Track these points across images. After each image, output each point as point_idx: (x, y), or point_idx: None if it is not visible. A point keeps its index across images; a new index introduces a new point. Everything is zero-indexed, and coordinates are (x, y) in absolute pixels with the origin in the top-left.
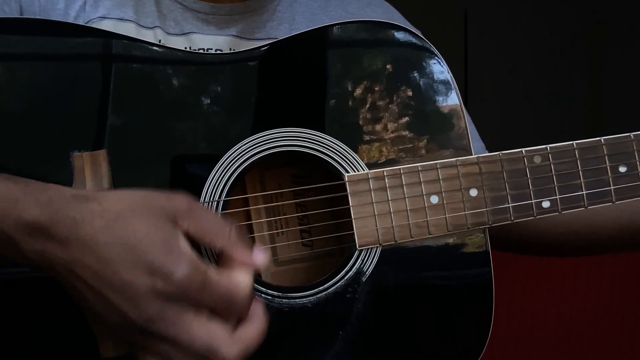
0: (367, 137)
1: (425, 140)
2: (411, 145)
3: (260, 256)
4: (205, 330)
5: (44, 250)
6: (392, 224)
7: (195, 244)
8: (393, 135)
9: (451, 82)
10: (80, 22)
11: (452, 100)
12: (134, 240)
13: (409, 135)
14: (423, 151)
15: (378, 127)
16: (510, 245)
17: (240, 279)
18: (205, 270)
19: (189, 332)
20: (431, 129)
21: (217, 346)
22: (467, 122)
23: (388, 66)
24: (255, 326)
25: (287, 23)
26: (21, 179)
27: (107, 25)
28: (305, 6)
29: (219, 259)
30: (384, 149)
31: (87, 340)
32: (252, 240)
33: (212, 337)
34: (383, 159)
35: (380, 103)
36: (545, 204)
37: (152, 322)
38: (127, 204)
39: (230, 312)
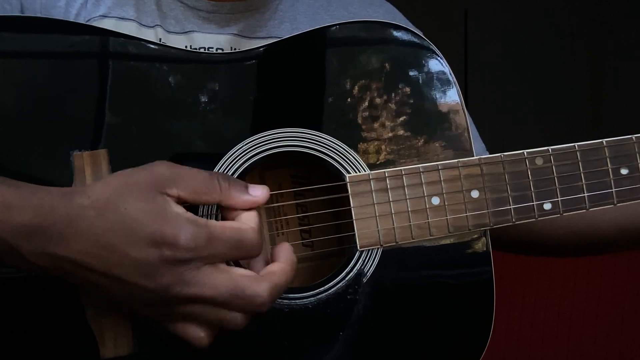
0: (367, 137)
1: (426, 140)
2: (411, 144)
3: (259, 191)
4: (226, 276)
5: (45, 252)
6: (393, 225)
7: (192, 206)
8: (393, 134)
9: (452, 81)
10: (81, 20)
11: (453, 99)
12: (129, 220)
13: (409, 135)
14: (423, 150)
15: (379, 126)
16: (510, 245)
17: (244, 218)
18: (205, 223)
19: (211, 284)
20: (432, 128)
21: (243, 287)
22: (468, 122)
23: (388, 66)
24: (280, 264)
25: (288, 22)
26: (13, 182)
27: (108, 25)
28: (307, 5)
29: (221, 212)
30: (384, 149)
31: (87, 340)
32: None
33: (235, 280)
34: (384, 159)
35: (381, 103)
36: (547, 206)
37: (173, 288)
38: (112, 189)
39: (244, 255)
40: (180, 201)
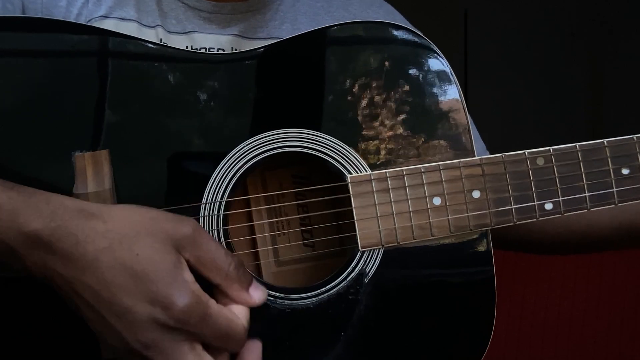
0: (368, 137)
1: (426, 139)
2: (412, 144)
3: (258, 294)
4: None
5: (45, 264)
6: (395, 225)
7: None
8: (394, 134)
9: (453, 81)
10: (82, 19)
11: (454, 99)
12: (137, 267)
13: (409, 135)
14: (424, 150)
15: (379, 127)
16: (509, 244)
17: (238, 314)
18: (206, 302)
19: None
20: (432, 128)
21: None
22: (469, 122)
23: (389, 65)
24: None
25: (289, 23)
26: (25, 188)
27: (109, 25)
28: (308, 6)
29: (214, 290)
30: (385, 149)
31: (88, 340)
32: (254, 241)
33: None
34: (384, 159)
35: (382, 103)
36: (548, 206)
37: (147, 349)
38: (133, 226)
39: (225, 346)
40: (188, 264)
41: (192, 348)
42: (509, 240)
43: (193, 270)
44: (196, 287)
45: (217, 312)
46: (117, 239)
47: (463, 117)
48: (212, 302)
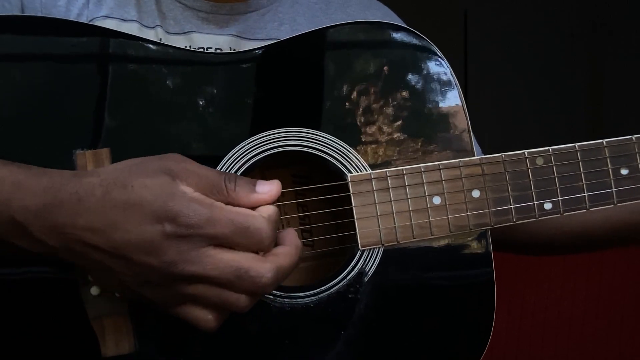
0: (367, 137)
1: (426, 141)
2: (412, 145)
3: (266, 187)
4: (229, 256)
5: (54, 228)
6: (395, 224)
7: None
8: (393, 135)
9: (453, 81)
10: (83, 20)
11: (454, 100)
12: (135, 197)
13: (409, 136)
14: (424, 152)
15: (378, 127)
16: (504, 245)
17: (261, 208)
18: (210, 203)
19: (213, 263)
20: (432, 130)
21: (246, 267)
22: (469, 123)
23: (388, 66)
24: (285, 247)
25: (288, 24)
26: (23, 164)
27: (110, 25)
28: (307, 7)
29: None
30: (384, 149)
31: (89, 339)
32: None
33: (238, 261)
34: (384, 159)
35: (380, 103)
36: (547, 206)
37: (175, 266)
38: (122, 169)
39: (251, 240)
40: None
41: (217, 248)
42: (506, 241)
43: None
44: (196, 194)
45: (227, 210)
46: (111, 181)
47: (463, 118)
48: (218, 203)
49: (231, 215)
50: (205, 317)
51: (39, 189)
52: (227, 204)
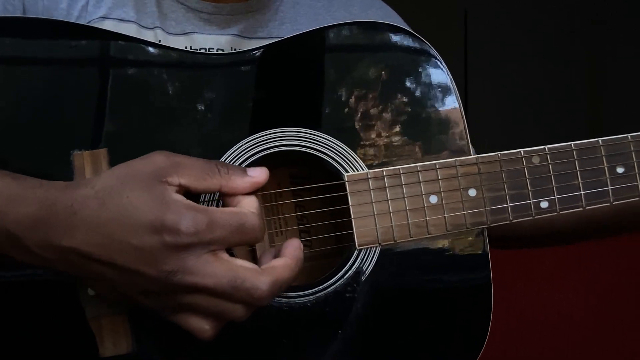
0: (365, 138)
1: (423, 143)
2: (409, 147)
3: (257, 172)
4: (226, 266)
5: (50, 242)
6: (392, 223)
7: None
8: (391, 136)
9: (451, 84)
10: (82, 21)
11: (451, 102)
12: (130, 208)
13: (407, 138)
14: (421, 153)
15: (376, 128)
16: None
17: (244, 204)
18: (205, 209)
19: (211, 273)
20: (429, 132)
21: (243, 278)
22: (466, 124)
23: (386, 68)
24: (284, 259)
25: (289, 23)
26: (17, 175)
27: (108, 26)
28: (309, 7)
29: (222, 199)
30: (382, 150)
31: (87, 340)
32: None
33: (235, 271)
34: (381, 160)
35: (378, 105)
36: (544, 204)
37: (174, 275)
38: (115, 178)
39: (246, 239)
40: (182, 189)
41: (215, 256)
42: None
43: (189, 193)
44: (189, 202)
45: (221, 212)
46: (106, 193)
47: (460, 120)
48: (211, 207)
49: (226, 216)
50: (202, 326)
51: (34, 202)
52: (221, 187)
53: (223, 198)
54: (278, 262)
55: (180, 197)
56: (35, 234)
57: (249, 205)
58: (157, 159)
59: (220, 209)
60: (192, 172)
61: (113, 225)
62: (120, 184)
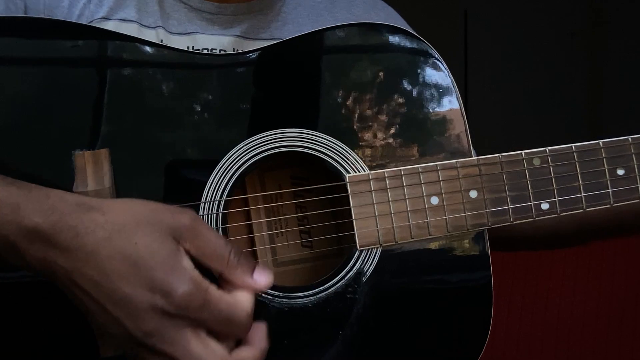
0: (366, 139)
1: (424, 144)
2: (410, 148)
3: (263, 278)
4: (202, 348)
5: (45, 258)
6: (393, 224)
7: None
8: (391, 137)
9: (452, 85)
10: (84, 20)
11: (452, 103)
12: (135, 256)
13: (407, 138)
14: (422, 154)
15: (376, 129)
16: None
17: (241, 300)
18: (206, 289)
19: (185, 349)
20: (430, 133)
21: None
22: (467, 126)
23: (386, 69)
24: (253, 350)
25: (291, 24)
26: (24, 183)
27: (109, 26)
28: (311, 8)
29: (219, 280)
30: (382, 151)
31: (87, 339)
32: (252, 241)
33: (209, 356)
34: (382, 161)
35: (378, 106)
36: (545, 206)
37: (150, 337)
38: (131, 217)
39: (229, 332)
40: (189, 255)
41: (195, 334)
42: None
43: (194, 261)
44: (195, 273)
45: (218, 297)
46: (116, 229)
47: (461, 121)
48: (212, 288)
49: (221, 305)
50: None
51: (39, 214)
52: (222, 274)
53: (219, 281)
54: (246, 353)
55: (189, 265)
56: (33, 246)
57: (245, 302)
58: (183, 218)
59: (220, 293)
60: (206, 248)
61: (112, 265)
62: (135, 224)
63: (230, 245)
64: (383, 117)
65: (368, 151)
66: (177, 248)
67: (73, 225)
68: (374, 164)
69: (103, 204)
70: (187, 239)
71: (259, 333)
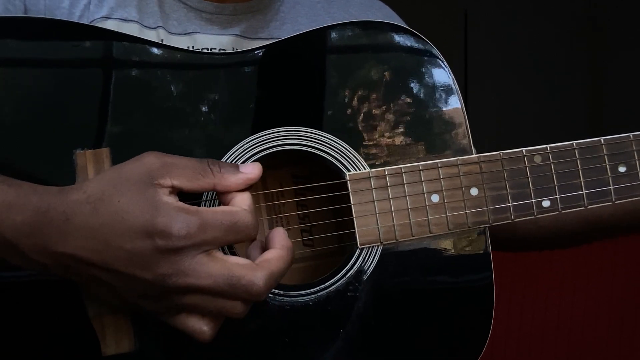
0: (367, 137)
1: (425, 142)
2: (411, 146)
3: (250, 168)
4: (221, 265)
5: (45, 249)
6: (393, 222)
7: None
8: (393, 136)
9: (453, 83)
10: (85, 21)
11: (453, 102)
12: (122, 213)
13: (409, 137)
14: (423, 153)
15: (378, 128)
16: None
17: (237, 202)
18: (196, 210)
19: (206, 273)
20: (431, 131)
21: (238, 276)
22: (468, 124)
23: (388, 67)
24: (275, 250)
25: (289, 23)
26: (14, 181)
27: (110, 26)
28: (309, 7)
29: (218, 198)
30: (383, 150)
31: (89, 338)
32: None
33: (230, 269)
34: (384, 159)
35: (380, 105)
36: (546, 203)
37: (169, 278)
38: (107, 183)
39: (239, 235)
40: (175, 190)
41: (209, 256)
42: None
43: (183, 193)
44: (180, 204)
45: (212, 212)
46: (98, 198)
47: (462, 119)
48: (202, 208)
49: (218, 216)
50: (200, 327)
51: (29, 209)
52: (214, 186)
53: (218, 196)
54: (271, 255)
55: (171, 200)
56: (30, 240)
57: (242, 202)
58: (148, 161)
59: (212, 208)
60: (184, 172)
61: (106, 231)
62: (112, 187)
63: (204, 160)
64: (384, 116)
65: (369, 150)
66: (155, 189)
67: (61, 211)
68: (375, 163)
69: (81, 184)
70: (163, 175)
71: (278, 234)
